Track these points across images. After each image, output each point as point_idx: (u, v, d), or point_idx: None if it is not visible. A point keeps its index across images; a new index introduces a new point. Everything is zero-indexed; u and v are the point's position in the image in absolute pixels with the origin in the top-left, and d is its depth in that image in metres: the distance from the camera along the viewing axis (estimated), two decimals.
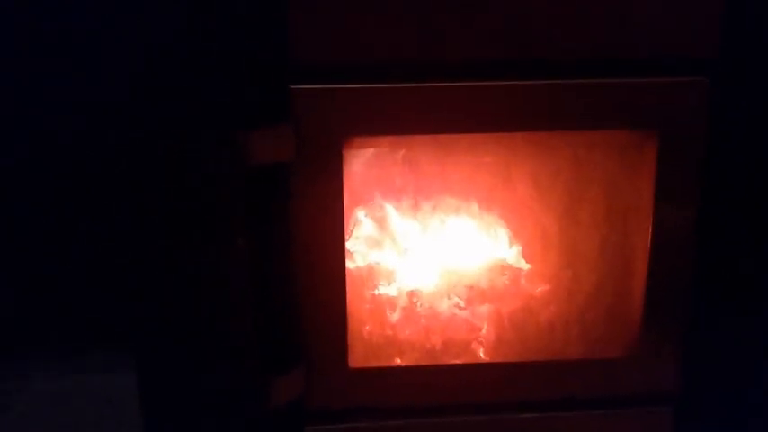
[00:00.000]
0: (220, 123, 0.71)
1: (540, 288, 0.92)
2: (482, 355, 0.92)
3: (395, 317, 0.94)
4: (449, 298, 0.93)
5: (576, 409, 0.88)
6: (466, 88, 0.77)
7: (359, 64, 0.74)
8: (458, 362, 0.90)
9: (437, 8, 0.73)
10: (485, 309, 0.92)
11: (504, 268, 0.93)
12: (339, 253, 0.80)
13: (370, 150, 0.90)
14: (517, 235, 0.93)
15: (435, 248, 0.95)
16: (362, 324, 0.93)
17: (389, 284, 0.94)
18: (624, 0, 0.75)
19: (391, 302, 0.94)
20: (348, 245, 0.89)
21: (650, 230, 0.81)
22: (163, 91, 0.82)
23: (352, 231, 0.94)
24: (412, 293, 0.94)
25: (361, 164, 0.92)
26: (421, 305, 0.94)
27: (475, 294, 0.93)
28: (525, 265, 0.93)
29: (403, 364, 0.90)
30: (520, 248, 0.93)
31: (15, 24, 0.92)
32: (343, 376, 0.85)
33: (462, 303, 0.93)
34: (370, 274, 0.95)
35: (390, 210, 0.95)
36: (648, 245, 0.82)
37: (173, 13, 0.87)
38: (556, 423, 0.88)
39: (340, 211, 0.78)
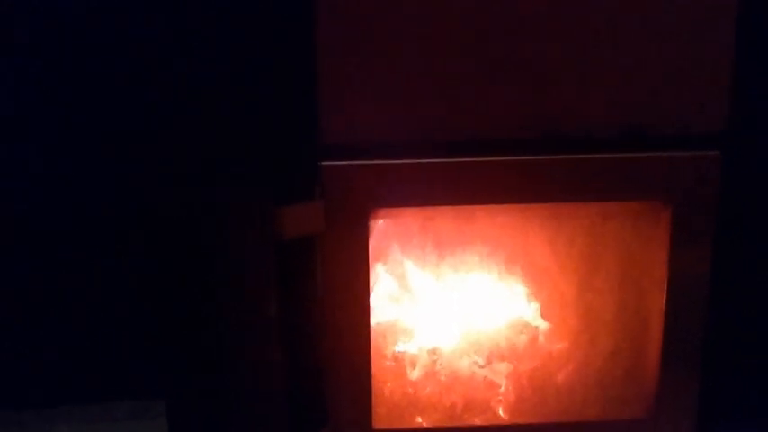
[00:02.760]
0: (255, 200, 0.75)
1: (559, 350, 0.94)
2: (502, 414, 0.94)
3: (415, 375, 0.96)
4: (469, 357, 0.96)
5: None
6: (486, 163, 0.80)
7: (385, 141, 0.78)
8: (478, 423, 0.92)
9: (459, 89, 0.77)
10: (504, 368, 0.94)
11: (523, 328, 0.96)
12: (364, 318, 0.83)
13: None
14: (536, 297, 0.96)
15: (455, 308, 0.98)
16: (384, 383, 0.95)
17: (410, 343, 0.97)
18: (639, 76, 0.78)
19: (412, 361, 0.96)
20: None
21: (664, 296, 0.84)
22: (201, 167, 0.85)
23: (372, 288, 0.97)
24: (432, 352, 0.96)
25: (386, 227, 0.95)
26: (441, 364, 0.96)
27: (495, 355, 0.95)
28: (544, 326, 0.96)
29: (425, 425, 0.92)
30: (538, 309, 0.96)
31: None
32: None
33: (482, 362, 0.96)
34: (391, 332, 0.97)
35: (411, 268, 0.98)
36: (663, 309, 0.85)
37: (213, 94, 0.91)
38: None
39: (365, 278, 0.81)
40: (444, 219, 0.93)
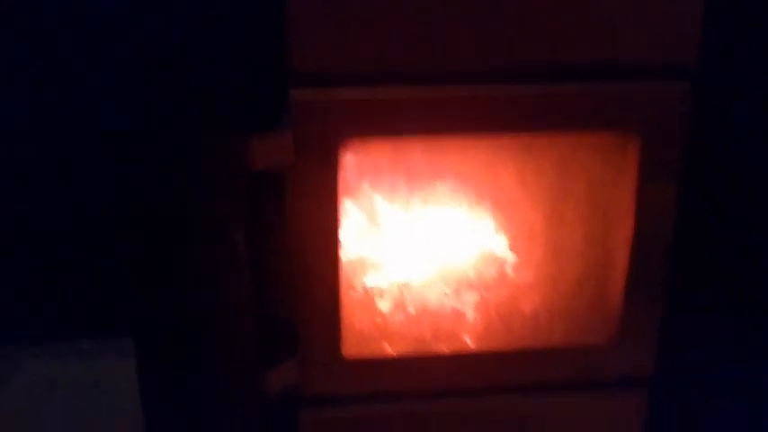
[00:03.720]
0: (223, 128, 0.73)
1: (526, 280, 0.95)
2: (470, 343, 0.96)
3: (385, 307, 0.97)
4: (439, 289, 0.97)
5: (557, 392, 0.93)
6: (459, 94, 0.79)
7: (356, 71, 0.76)
8: (446, 350, 0.94)
9: (431, 19, 0.75)
10: (473, 299, 0.96)
11: (492, 260, 0.97)
12: (333, 250, 0.83)
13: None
14: (505, 229, 0.96)
15: (424, 240, 0.98)
16: (354, 315, 0.96)
17: (380, 276, 0.97)
18: (609, 6, 0.77)
19: (382, 293, 0.97)
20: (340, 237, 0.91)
21: (631, 227, 0.86)
22: (165, 94, 0.83)
23: (343, 223, 0.97)
24: (401, 284, 0.97)
25: (356, 159, 0.94)
26: (410, 296, 0.97)
27: (464, 284, 0.96)
28: (512, 258, 0.97)
29: (394, 354, 0.94)
30: (507, 242, 0.97)
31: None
32: (337, 365, 0.89)
33: (450, 293, 0.97)
34: (362, 266, 0.97)
35: (381, 202, 0.97)
36: (629, 240, 0.86)
37: (176, 20, 0.87)
38: (539, 406, 0.93)
39: (335, 209, 0.81)
40: (415, 153, 0.92)
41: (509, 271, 0.97)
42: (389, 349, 0.96)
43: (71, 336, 1.12)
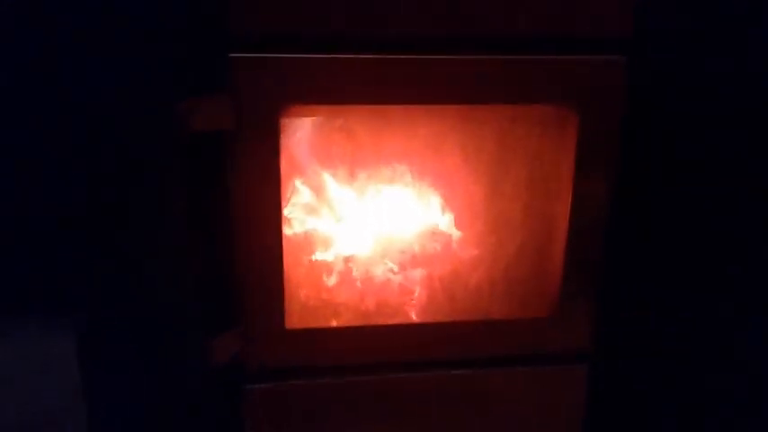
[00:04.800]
0: (161, 90, 0.73)
1: (469, 254, 0.97)
2: (414, 316, 0.97)
3: (331, 281, 0.97)
4: (383, 263, 0.97)
5: (500, 365, 0.94)
6: (400, 61, 0.80)
7: (298, 35, 0.77)
8: (389, 322, 0.94)
9: None
10: (417, 273, 0.97)
11: (435, 234, 0.98)
12: (276, 218, 0.83)
13: (308, 120, 0.93)
14: (447, 202, 0.98)
15: (370, 215, 0.99)
16: (300, 288, 0.96)
17: (326, 250, 0.98)
18: None
19: (327, 267, 0.98)
20: (286, 212, 0.92)
21: (570, 199, 0.87)
22: (104, 57, 0.82)
23: (289, 199, 0.97)
24: (347, 259, 0.97)
25: (299, 133, 0.95)
26: (356, 270, 0.98)
27: (408, 259, 0.97)
28: (456, 232, 0.98)
29: (337, 326, 0.94)
30: (451, 215, 0.98)
31: None
32: (279, 337, 0.89)
33: (396, 268, 0.98)
34: (308, 241, 0.98)
35: (327, 178, 0.98)
36: (568, 213, 0.88)
37: None
38: (482, 379, 0.94)
39: (277, 177, 0.81)
40: (360, 123, 0.93)
41: (453, 245, 0.98)
42: (334, 323, 0.96)
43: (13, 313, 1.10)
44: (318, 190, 0.99)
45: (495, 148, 0.93)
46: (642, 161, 1.01)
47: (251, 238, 0.84)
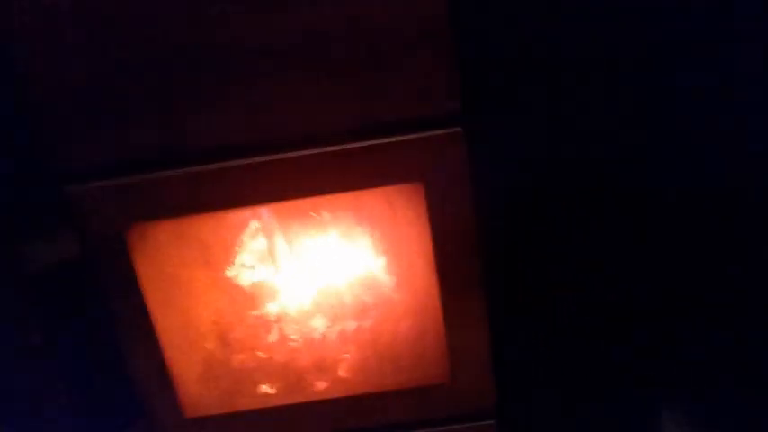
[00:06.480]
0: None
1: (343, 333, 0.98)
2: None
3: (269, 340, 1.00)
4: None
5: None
6: (237, 167, 0.82)
7: (130, 160, 0.80)
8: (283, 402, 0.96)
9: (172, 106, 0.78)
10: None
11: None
12: (146, 321, 0.87)
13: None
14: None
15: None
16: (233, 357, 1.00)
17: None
18: (372, 69, 0.79)
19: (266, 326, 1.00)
20: None
21: (434, 270, 0.87)
22: None
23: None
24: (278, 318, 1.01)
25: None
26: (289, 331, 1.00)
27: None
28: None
29: (239, 409, 0.97)
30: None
31: None
32: (182, 427, 0.93)
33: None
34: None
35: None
36: (436, 283, 0.88)
37: None
38: None
39: (138, 293, 0.85)
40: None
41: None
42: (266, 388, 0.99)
43: None
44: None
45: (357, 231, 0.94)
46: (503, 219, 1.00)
47: (131, 343, 0.88)
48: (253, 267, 1.01)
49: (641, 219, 1.06)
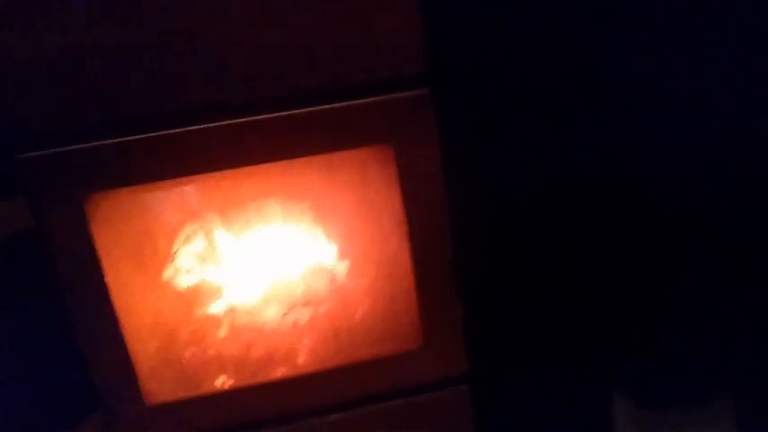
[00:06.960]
0: None
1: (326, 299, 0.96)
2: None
3: (220, 335, 0.97)
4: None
5: (376, 402, 0.94)
6: (201, 131, 0.79)
7: (79, 126, 0.76)
8: (252, 382, 0.93)
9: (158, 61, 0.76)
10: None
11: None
12: (104, 303, 0.83)
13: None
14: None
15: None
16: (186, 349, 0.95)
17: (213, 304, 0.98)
18: (336, 30, 0.78)
19: (215, 322, 0.97)
20: None
21: (407, 234, 0.87)
22: None
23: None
24: (231, 310, 0.97)
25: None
26: (241, 321, 0.97)
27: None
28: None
29: (201, 393, 0.93)
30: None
31: None
32: (141, 415, 0.88)
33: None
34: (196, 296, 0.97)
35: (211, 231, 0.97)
36: (408, 247, 0.87)
37: None
38: (361, 419, 0.94)
39: (94, 263, 0.80)
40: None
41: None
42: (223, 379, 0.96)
43: None
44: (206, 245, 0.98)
45: (323, 190, 0.92)
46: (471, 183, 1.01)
47: (89, 326, 0.84)
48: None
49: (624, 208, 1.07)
